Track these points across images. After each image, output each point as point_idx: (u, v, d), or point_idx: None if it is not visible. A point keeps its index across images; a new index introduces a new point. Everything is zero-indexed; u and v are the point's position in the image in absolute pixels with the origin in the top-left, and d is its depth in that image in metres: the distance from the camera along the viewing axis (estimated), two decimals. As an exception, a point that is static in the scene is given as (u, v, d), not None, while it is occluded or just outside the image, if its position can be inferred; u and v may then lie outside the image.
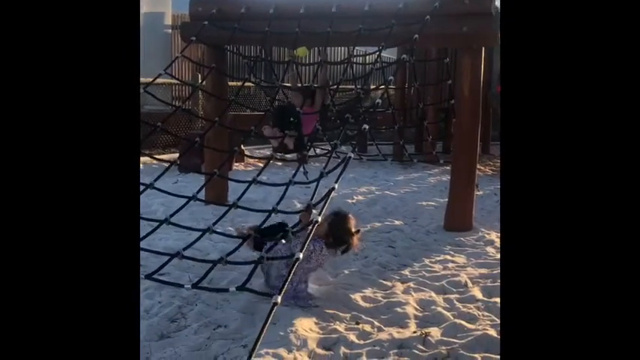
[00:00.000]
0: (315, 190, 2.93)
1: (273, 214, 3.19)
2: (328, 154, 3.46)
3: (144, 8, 10.48)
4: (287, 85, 5.29)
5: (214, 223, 3.24)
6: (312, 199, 2.93)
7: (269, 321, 1.79)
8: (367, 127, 3.10)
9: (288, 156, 5.01)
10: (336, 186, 2.62)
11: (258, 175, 3.61)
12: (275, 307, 1.82)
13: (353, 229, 3.03)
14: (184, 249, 3.00)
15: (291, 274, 2.01)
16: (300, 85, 5.17)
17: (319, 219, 2.36)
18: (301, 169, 3.76)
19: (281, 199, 3.26)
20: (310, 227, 2.34)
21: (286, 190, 3.29)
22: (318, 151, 5.64)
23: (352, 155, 2.80)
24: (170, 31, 11.11)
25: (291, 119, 4.01)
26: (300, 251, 2.12)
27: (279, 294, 1.86)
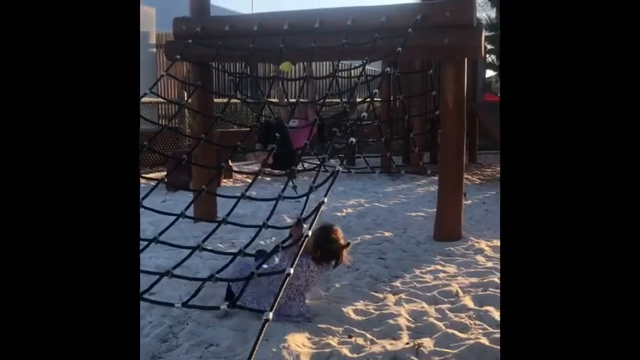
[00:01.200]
0: (305, 204, 2.93)
1: (263, 230, 3.19)
2: (317, 169, 3.47)
3: (128, 28, 10.49)
4: (273, 100, 5.31)
5: (204, 240, 3.23)
6: (302, 213, 2.93)
7: (261, 338, 1.78)
8: (354, 140, 3.11)
9: (276, 171, 5.00)
10: (326, 200, 2.63)
11: (246, 190, 3.60)
12: (267, 324, 1.82)
13: (342, 242, 3.02)
14: (174, 267, 2.98)
15: (282, 290, 2.00)
16: (286, 100, 5.19)
17: (309, 233, 2.37)
18: (290, 183, 3.77)
19: (271, 214, 3.25)
20: (300, 242, 2.34)
21: (276, 204, 3.29)
22: (306, 165, 5.66)
23: (341, 169, 2.82)
24: (155, 50, 11.13)
25: (276, 135, 4.01)
26: (291, 266, 2.12)
27: (271, 310, 1.85)
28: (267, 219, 3.17)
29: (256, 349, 1.78)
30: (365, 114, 3.46)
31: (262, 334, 1.80)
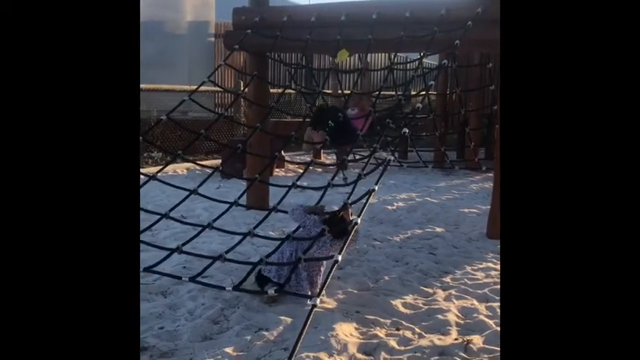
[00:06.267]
0: (353, 190, 2.93)
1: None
2: (367, 158, 3.47)
3: (188, 17, 10.79)
4: (327, 91, 5.33)
5: (255, 227, 3.29)
6: (348, 198, 2.93)
7: (308, 323, 1.81)
8: (407, 130, 3.09)
9: (327, 162, 5.05)
10: (376, 188, 2.63)
11: (297, 179, 3.65)
12: (313, 310, 1.85)
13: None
14: (226, 252, 3.06)
15: (330, 275, 2.03)
16: (341, 91, 5.21)
17: (359, 221, 2.38)
18: (340, 174, 3.79)
19: (320, 200, 3.28)
20: (350, 229, 2.36)
21: (325, 191, 3.32)
22: (357, 156, 5.67)
23: (392, 158, 2.81)
24: (213, 39, 11.35)
25: (330, 122, 4.05)
26: (339, 253, 2.15)
27: (318, 295, 1.88)
28: (316, 204, 3.21)
29: (303, 334, 1.81)
30: (419, 105, 3.42)
31: (310, 320, 1.82)
